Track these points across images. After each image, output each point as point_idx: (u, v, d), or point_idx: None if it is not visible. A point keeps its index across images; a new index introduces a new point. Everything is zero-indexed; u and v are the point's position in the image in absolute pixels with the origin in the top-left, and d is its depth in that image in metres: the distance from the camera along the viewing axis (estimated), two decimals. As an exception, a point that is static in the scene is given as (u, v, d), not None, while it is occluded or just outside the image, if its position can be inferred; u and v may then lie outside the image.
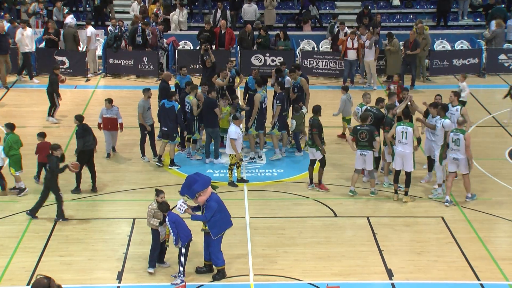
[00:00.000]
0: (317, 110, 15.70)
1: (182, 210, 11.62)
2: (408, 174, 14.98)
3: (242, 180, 16.11)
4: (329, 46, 25.12)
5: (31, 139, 16.90)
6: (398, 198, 15.10)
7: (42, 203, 14.25)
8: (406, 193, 15.11)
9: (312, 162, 15.68)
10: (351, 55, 23.05)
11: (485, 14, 27.23)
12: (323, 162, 15.55)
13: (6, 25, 24.16)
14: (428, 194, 15.39)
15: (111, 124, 17.33)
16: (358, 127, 15.13)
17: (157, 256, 12.28)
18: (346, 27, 24.13)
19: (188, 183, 11.71)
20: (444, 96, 16.59)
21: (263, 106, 17.23)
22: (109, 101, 17.25)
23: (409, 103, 15.93)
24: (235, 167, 15.90)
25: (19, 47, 23.30)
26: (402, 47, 23.29)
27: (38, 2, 26.47)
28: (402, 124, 14.83)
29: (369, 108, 16.00)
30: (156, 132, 17.66)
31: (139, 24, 23.83)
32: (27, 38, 23.17)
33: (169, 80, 18.22)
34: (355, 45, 22.86)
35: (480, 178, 16.31)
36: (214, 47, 24.37)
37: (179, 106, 16.57)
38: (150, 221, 12.06)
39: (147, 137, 17.30)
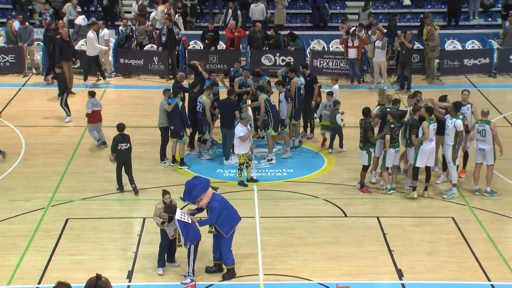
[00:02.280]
0: (367, 112, 15.46)
1: (185, 218, 11.63)
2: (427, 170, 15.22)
3: (252, 180, 16.12)
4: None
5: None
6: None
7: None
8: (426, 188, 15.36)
9: (365, 167, 15.54)
10: (351, 53, 23.07)
11: (505, 13, 26.84)
12: (365, 166, 15.48)
13: (17, 26, 24.29)
14: (442, 194, 15.39)
15: (98, 116, 17.83)
16: (392, 125, 15.14)
17: (165, 255, 12.33)
18: (348, 25, 24.20)
19: (188, 189, 11.70)
20: (454, 96, 16.56)
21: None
22: (92, 93, 17.79)
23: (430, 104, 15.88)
24: (244, 166, 15.93)
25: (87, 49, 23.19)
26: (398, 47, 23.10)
27: (43, 3, 26.58)
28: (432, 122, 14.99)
29: (388, 109, 15.81)
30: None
31: (165, 24, 23.86)
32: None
33: (183, 81, 18.14)
34: (356, 44, 22.86)
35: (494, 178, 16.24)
36: (224, 47, 24.41)
37: (181, 103, 16.50)
38: (154, 219, 12.16)
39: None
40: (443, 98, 16.20)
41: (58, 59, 21.50)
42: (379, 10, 28.22)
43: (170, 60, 23.85)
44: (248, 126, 15.90)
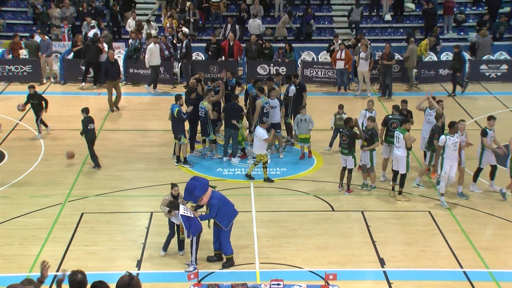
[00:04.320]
0: (347, 121, 15.26)
1: (188, 213, 11.68)
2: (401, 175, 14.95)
3: (268, 179, 16.08)
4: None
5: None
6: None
7: None
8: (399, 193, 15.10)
9: (344, 168, 15.33)
10: (339, 64, 23.10)
11: (478, 28, 26.77)
12: (351, 169, 15.26)
13: (38, 39, 24.25)
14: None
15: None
16: (390, 116, 15.26)
17: (170, 241, 12.45)
18: (339, 40, 24.23)
19: (189, 189, 11.66)
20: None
21: (265, 111, 17.19)
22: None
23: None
24: (263, 166, 15.94)
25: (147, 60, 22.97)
26: (378, 58, 23.20)
27: (59, 19, 26.58)
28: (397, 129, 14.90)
29: (391, 116, 15.82)
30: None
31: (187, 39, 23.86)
32: (155, 53, 22.90)
33: (195, 87, 18.00)
34: (343, 56, 22.92)
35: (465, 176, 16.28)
36: (223, 58, 24.43)
37: (177, 109, 16.38)
38: (161, 207, 12.22)
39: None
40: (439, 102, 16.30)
41: (103, 78, 21.50)
42: (363, 25, 28.22)
43: (179, 69, 23.91)
44: (268, 128, 15.95)
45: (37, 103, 18.57)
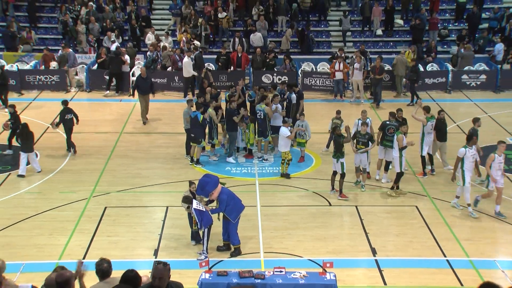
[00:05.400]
0: (334, 128, 15.23)
1: (200, 207, 11.70)
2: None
3: (285, 174, 16.04)
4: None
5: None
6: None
7: None
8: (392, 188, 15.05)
9: (335, 172, 14.89)
10: (338, 75, 23.09)
11: (458, 42, 26.70)
12: (343, 174, 14.75)
13: (63, 52, 24.34)
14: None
15: None
16: (388, 122, 15.22)
17: (192, 233, 12.47)
18: (343, 53, 24.22)
19: (201, 185, 11.72)
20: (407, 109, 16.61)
21: (257, 117, 17.15)
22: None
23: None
24: (285, 162, 15.93)
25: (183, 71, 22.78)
26: (369, 70, 23.07)
27: (89, 33, 26.65)
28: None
29: (388, 122, 15.68)
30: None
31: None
32: (188, 65, 22.72)
33: (206, 92, 18.05)
34: (341, 67, 22.90)
35: (447, 174, 16.26)
36: (232, 68, 24.44)
37: (202, 116, 16.44)
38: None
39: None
40: (427, 109, 16.12)
41: (133, 92, 20.64)
42: (356, 39, 28.22)
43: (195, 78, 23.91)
44: (289, 127, 15.91)
45: (14, 122, 17.21)
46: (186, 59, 22.82)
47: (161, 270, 6.60)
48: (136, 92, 20.73)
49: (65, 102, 17.54)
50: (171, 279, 6.81)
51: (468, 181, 13.78)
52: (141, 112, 20.44)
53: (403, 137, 14.63)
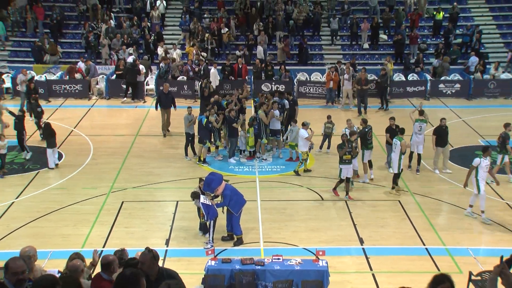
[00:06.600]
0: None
1: (207, 201, 11.69)
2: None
3: (297, 172, 15.97)
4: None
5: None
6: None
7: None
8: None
9: (347, 178, 14.42)
10: (332, 84, 23.07)
11: (436, 53, 26.66)
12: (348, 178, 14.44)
13: (81, 64, 24.33)
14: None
15: None
16: (366, 129, 15.26)
17: (200, 225, 12.45)
18: (341, 65, 24.19)
19: (207, 182, 11.72)
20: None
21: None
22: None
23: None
24: (304, 161, 15.91)
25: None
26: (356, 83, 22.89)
27: (110, 48, 26.62)
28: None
29: (366, 129, 15.51)
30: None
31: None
32: (213, 76, 22.55)
33: (219, 100, 17.96)
34: (333, 77, 22.91)
35: (427, 172, 16.26)
36: (233, 77, 24.45)
37: (206, 119, 16.38)
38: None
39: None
40: (421, 112, 16.37)
41: (156, 106, 19.61)
42: (346, 52, 28.18)
43: (199, 87, 23.79)
44: (309, 129, 15.86)
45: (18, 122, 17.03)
46: (213, 69, 22.98)
47: (143, 255, 6.15)
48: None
49: (35, 99, 18.55)
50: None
51: (483, 189, 13.07)
52: (162, 125, 19.43)
53: (405, 142, 14.58)
